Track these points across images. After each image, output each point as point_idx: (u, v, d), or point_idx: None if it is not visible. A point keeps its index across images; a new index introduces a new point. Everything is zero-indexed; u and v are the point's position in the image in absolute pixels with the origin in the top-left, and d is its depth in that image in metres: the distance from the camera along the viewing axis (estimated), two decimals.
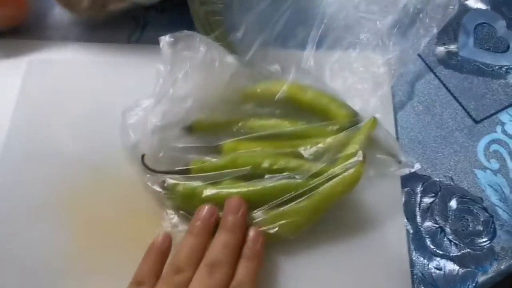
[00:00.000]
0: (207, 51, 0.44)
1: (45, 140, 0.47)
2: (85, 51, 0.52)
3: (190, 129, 0.45)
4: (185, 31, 0.46)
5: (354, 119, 0.45)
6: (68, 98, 0.49)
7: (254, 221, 0.40)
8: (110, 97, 0.49)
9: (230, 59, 0.45)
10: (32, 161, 0.46)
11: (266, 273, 0.41)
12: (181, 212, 0.42)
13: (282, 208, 0.41)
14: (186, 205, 0.42)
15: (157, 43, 0.52)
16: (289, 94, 0.46)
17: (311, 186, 0.41)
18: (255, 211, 0.41)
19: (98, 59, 0.51)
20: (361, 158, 0.41)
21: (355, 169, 0.41)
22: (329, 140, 0.43)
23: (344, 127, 0.44)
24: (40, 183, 0.44)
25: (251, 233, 0.39)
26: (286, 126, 0.45)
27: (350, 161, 0.41)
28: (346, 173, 0.41)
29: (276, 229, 0.40)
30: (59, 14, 0.53)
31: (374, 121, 0.45)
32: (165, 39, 0.45)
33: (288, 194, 0.41)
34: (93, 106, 0.49)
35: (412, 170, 0.45)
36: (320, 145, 0.43)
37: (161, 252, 0.39)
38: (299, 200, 0.41)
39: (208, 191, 0.41)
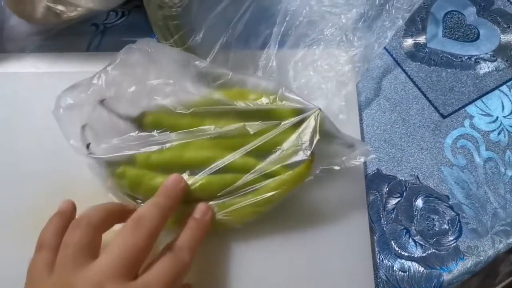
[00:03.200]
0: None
1: (5, 156, 0.46)
2: (44, 62, 0.51)
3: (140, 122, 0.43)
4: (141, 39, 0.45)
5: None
6: (30, 111, 0.49)
7: None
8: None
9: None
10: None
11: (219, 259, 0.41)
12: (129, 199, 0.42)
13: (227, 198, 0.41)
14: (134, 191, 0.42)
15: (117, 49, 0.51)
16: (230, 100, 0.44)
17: (256, 180, 0.40)
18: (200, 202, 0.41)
19: (58, 70, 0.50)
20: (308, 155, 0.40)
21: (302, 167, 0.40)
22: (274, 134, 0.41)
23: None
24: (1, 201, 0.44)
25: (200, 206, 0.40)
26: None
27: (295, 158, 0.40)
28: (292, 171, 0.40)
29: (221, 217, 0.40)
30: (15, 25, 0.52)
31: (319, 114, 0.42)
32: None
33: (233, 187, 0.40)
34: (53, 119, 0.48)
35: (367, 159, 0.44)
36: (265, 139, 0.41)
37: (65, 217, 0.38)
38: (243, 191, 0.41)
39: (157, 180, 0.41)
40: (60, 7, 0.49)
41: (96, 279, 0.31)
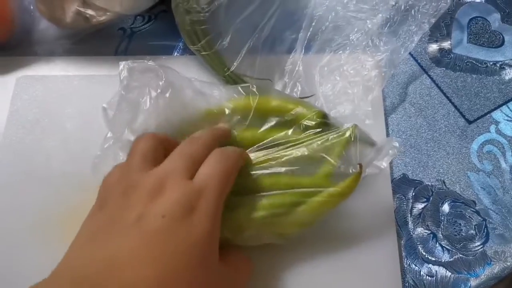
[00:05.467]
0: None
1: (35, 157, 0.47)
2: (73, 65, 0.52)
3: None
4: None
5: (323, 120, 0.43)
6: (58, 113, 0.49)
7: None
8: (98, 111, 0.48)
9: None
10: (23, 179, 0.46)
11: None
12: None
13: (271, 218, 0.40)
14: None
15: (144, 53, 0.52)
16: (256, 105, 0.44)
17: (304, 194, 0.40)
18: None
19: (86, 73, 0.51)
20: (357, 169, 0.40)
21: (351, 179, 0.39)
22: (309, 148, 0.41)
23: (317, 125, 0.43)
24: (32, 202, 0.45)
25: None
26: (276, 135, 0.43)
27: (345, 171, 0.40)
28: (343, 183, 0.40)
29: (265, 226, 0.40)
30: (45, 29, 0.53)
31: (355, 129, 0.42)
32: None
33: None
34: (83, 120, 0.49)
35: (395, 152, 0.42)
36: (299, 153, 0.41)
37: None
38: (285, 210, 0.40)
39: None
40: (90, 12, 0.50)
41: (158, 176, 0.33)
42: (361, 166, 0.39)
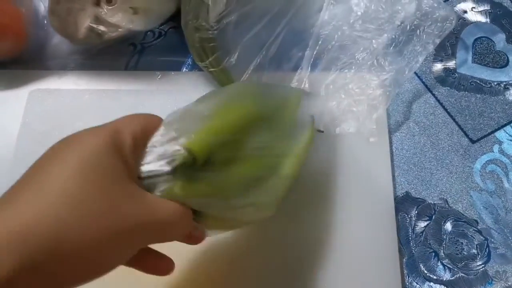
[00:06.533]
0: None
1: None
2: (84, 79, 0.53)
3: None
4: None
5: None
6: (69, 126, 0.50)
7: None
8: None
9: None
10: None
11: None
12: None
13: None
14: None
15: (154, 68, 0.53)
16: None
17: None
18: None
19: (97, 87, 0.52)
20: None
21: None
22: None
23: None
24: None
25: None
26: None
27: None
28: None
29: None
30: (57, 44, 0.54)
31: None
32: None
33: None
34: None
35: None
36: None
37: None
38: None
39: None
40: (102, 28, 0.51)
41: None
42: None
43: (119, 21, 0.51)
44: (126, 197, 0.28)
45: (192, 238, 0.36)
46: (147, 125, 0.32)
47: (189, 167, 0.32)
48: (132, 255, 0.30)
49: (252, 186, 0.36)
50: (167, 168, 0.31)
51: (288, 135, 0.41)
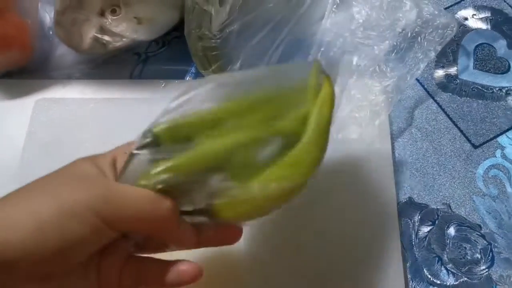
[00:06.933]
0: None
1: None
2: (89, 88, 0.53)
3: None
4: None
5: None
6: (75, 134, 0.51)
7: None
8: (114, 133, 0.50)
9: None
10: None
11: None
12: None
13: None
14: None
15: (158, 77, 0.54)
16: None
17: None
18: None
19: (102, 96, 0.53)
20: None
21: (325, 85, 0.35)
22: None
23: None
24: None
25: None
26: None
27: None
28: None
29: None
30: (63, 53, 0.55)
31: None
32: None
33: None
34: (99, 142, 0.50)
35: None
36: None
37: None
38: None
39: None
40: (107, 38, 0.52)
41: None
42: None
43: (124, 31, 0.52)
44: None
45: (185, 238, 0.33)
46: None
47: (156, 149, 0.31)
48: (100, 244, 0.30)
49: (256, 154, 0.32)
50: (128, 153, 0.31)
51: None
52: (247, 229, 0.37)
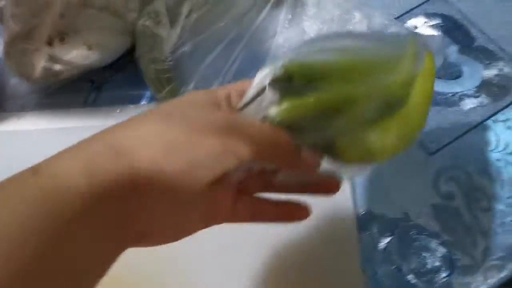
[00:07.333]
0: None
1: None
2: (43, 119, 0.53)
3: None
4: None
5: None
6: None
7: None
8: None
9: None
10: None
11: None
12: None
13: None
14: None
15: (113, 103, 0.54)
16: None
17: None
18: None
19: (56, 126, 0.52)
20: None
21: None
22: None
23: None
24: None
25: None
26: None
27: None
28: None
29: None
30: (15, 84, 0.55)
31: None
32: None
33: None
34: None
35: None
36: None
37: None
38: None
39: None
40: (58, 66, 0.51)
41: None
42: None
43: (74, 58, 0.51)
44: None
45: (300, 164, 0.34)
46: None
47: (287, 85, 0.31)
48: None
49: (370, 108, 0.35)
50: (261, 85, 0.31)
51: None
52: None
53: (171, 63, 0.51)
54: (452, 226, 0.47)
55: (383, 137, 0.36)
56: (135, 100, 0.54)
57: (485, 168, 0.50)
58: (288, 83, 0.32)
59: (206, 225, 0.33)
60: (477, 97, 0.54)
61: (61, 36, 0.50)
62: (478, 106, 0.53)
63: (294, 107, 0.31)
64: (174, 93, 0.51)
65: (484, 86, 0.54)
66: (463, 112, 0.53)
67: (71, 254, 0.24)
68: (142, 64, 0.52)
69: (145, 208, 0.27)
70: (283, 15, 0.55)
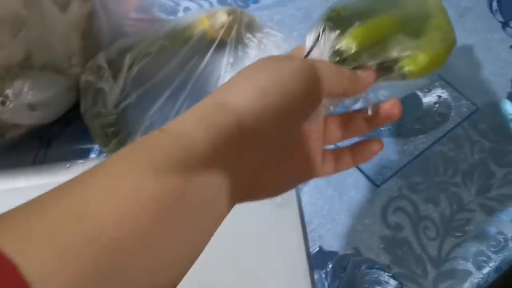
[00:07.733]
0: None
1: None
2: None
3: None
4: None
5: None
6: None
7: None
8: None
9: None
10: None
11: None
12: None
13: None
14: None
15: (63, 158, 0.54)
16: None
17: None
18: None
19: (5, 187, 0.52)
20: None
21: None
22: None
23: None
24: None
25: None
26: None
27: None
28: None
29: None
30: None
31: None
32: None
33: None
34: None
35: None
36: None
37: None
38: None
39: None
40: (2, 129, 0.51)
41: None
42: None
43: (18, 119, 0.51)
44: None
45: (357, 79, 0.36)
46: None
47: (339, 20, 0.36)
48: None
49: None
50: (317, 33, 0.35)
51: None
52: None
53: (115, 116, 0.52)
54: (402, 257, 0.48)
55: (435, 44, 0.39)
56: (85, 155, 0.55)
57: (430, 195, 0.51)
58: (339, 19, 0.36)
59: (303, 178, 0.37)
60: (419, 126, 0.55)
61: (2, 100, 0.50)
62: (420, 135, 0.54)
63: (359, 31, 0.35)
64: (121, 145, 0.51)
65: (425, 114, 0.56)
66: (406, 142, 0.54)
67: (194, 203, 0.25)
68: (86, 119, 0.52)
69: (251, 156, 0.29)
70: (225, 59, 0.56)
